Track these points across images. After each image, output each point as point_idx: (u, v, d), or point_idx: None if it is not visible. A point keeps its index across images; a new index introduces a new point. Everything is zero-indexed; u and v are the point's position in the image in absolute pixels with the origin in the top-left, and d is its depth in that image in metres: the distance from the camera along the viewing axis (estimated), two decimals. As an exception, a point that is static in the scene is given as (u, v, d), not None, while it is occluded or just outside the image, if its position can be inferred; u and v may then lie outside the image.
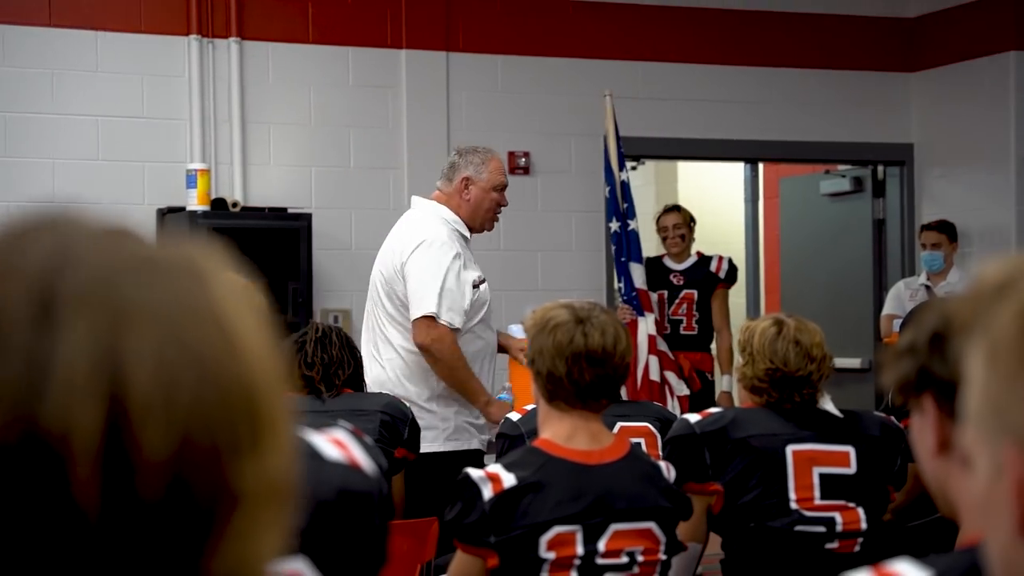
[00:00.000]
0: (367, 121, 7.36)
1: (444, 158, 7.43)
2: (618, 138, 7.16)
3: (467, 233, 4.71)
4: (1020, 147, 7.69)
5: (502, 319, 7.46)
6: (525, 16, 7.63)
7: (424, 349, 4.46)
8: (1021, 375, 0.90)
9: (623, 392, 6.14)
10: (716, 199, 10.24)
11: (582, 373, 2.77)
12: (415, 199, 4.85)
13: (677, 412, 6.47)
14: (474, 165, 4.70)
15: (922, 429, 1.57)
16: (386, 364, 4.60)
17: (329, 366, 3.82)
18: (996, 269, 0.96)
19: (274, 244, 6.77)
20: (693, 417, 3.30)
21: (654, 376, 6.86)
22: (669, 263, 7.36)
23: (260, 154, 7.18)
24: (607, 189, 7.10)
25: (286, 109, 7.24)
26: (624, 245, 7.04)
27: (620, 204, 7.09)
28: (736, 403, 4.59)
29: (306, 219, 6.94)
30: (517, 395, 4.87)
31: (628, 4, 7.80)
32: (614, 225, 7.09)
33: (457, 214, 4.66)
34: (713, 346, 7.33)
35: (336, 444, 1.55)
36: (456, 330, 4.49)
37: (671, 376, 6.98)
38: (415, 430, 4.00)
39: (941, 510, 1.56)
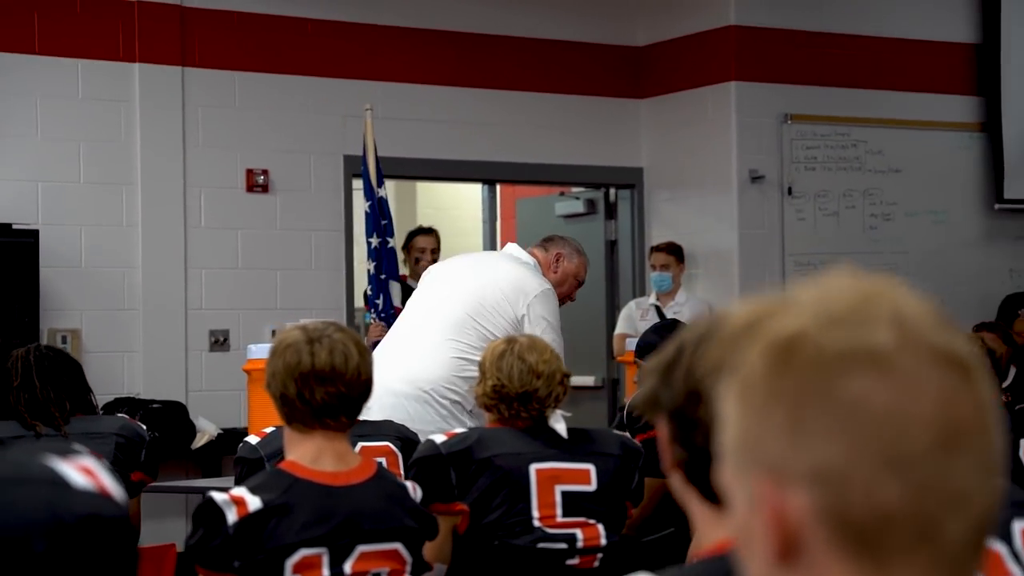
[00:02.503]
0: (98, 135, 7.14)
1: (179, 174, 7.36)
2: (377, 154, 7.15)
3: None
4: (742, 172, 8.04)
5: (239, 339, 7.36)
6: (263, 33, 7.55)
7: None
8: (770, 410, 0.95)
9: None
10: (455, 219, 10.35)
11: (313, 393, 2.77)
12: (515, 247, 5.22)
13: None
14: (569, 252, 5.20)
15: (661, 445, 1.65)
16: (441, 361, 4.75)
17: (61, 396, 3.70)
18: (741, 311, 1.01)
19: (-2, 261, 6.49)
20: (439, 438, 3.33)
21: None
22: (414, 284, 7.38)
23: (-17, 167, 6.89)
24: (367, 205, 7.07)
25: (11, 121, 6.96)
26: (384, 261, 7.02)
27: (380, 220, 7.08)
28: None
29: (33, 235, 6.68)
30: None
31: (366, 24, 7.81)
32: (374, 241, 7.06)
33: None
34: None
35: (84, 471, 1.51)
36: None
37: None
38: (153, 452, 3.91)
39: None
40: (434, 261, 7.36)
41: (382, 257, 6.99)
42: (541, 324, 4.79)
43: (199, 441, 7.01)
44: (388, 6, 7.86)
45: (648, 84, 8.49)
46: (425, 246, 7.44)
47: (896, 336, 0.94)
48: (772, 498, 0.94)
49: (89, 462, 1.53)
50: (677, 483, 1.62)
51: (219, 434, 7.08)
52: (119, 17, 7.19)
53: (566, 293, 5.19)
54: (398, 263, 7.15)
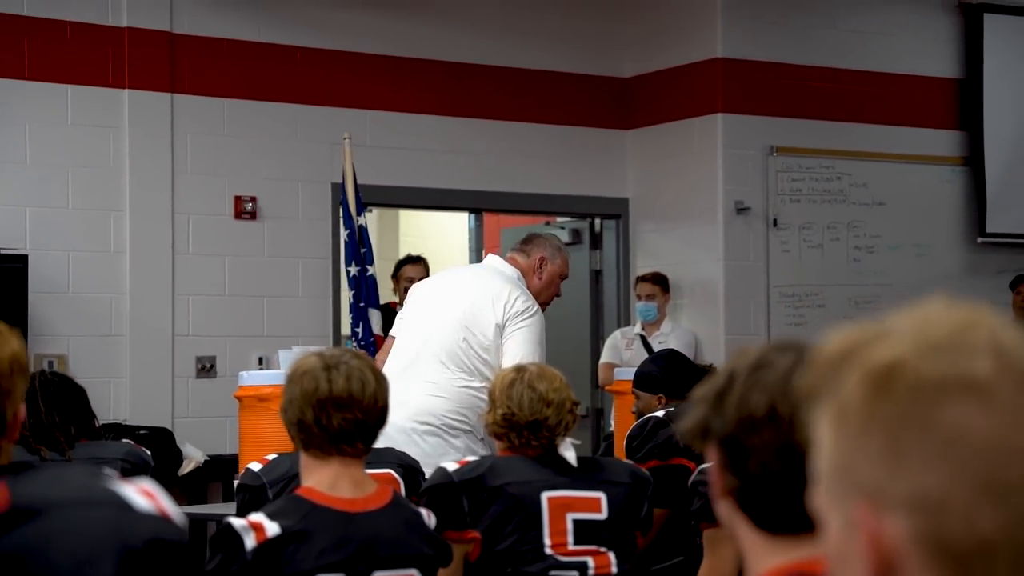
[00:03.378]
0: (87, 161, 7.13)
1: (168, 200, 7.35)
2: (356, 182, 7.16)
3: None
4: (727, 204, 8.09)
5: (226, 366, 7.34)
6: (252, 61, 7.56)
7: None
8: (868, 436, 0.97)
9: None
10: (439, 248, 10.35)
11: (330, 419, 2.77)
12: (496, 259, 5.21)
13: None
14: (550, 252, 5.17)
15: (712, 473, 1.66)
16: (447, 392, 4.79)
17: (66, 421, 3.69)
18: (837, 339, 1.03)
19: (-14, 286, 6.46)
20: (451, 466, 3.34)
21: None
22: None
23: (-29, 192, 6.87)
24: (346, 233, 7.08)
25: (0, 146, 6.94)
26: (363, 290, 7.02)
27: (359, 249, 7.08)
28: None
29: (21, 260, 6.66)
30: None
31: (355, 53, 7.84)
32: (353, 269, 7.06)
33: (528, 287, 5.06)
34: None
35: (145, 495, 1.52)
36: None
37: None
38: (156, 478, 3.89)
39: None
40: None
41: (361, 286, 7.00)
42: (522, 333, 4.80)
43: (186, 468, 6.98)
44: (377, 35, 7.89)
45: (634, 115, 8.54)
46: (413, 275, 7.44)
47: (995, 365, 0.96)
48: (869, 523, 0.96)
49: (149, 485, 1.54)
50: (726, 511, 1.63)
51: (205, 461, 7.05)
52: (109, 43, 7.19)
53: (554, 293, 5.20)
54: (378, 291, 7.16)
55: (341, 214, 7.08)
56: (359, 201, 7.08)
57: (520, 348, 4.77)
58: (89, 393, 6.99)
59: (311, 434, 2.78)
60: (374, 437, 2.85)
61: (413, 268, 7.49)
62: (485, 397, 4.60)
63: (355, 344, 6.95)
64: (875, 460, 0.96)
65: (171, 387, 7.28)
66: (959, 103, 8.79)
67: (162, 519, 1.49)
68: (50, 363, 6.90)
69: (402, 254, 10.36)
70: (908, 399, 0.96)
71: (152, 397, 7.20)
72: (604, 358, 8.00)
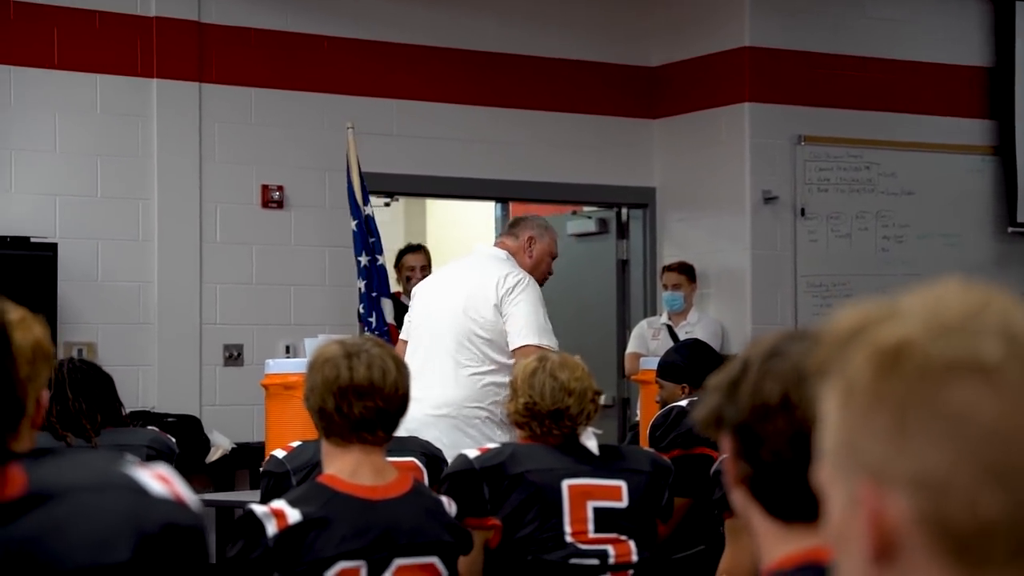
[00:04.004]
0: (116, 150, 7.17)
1: (196, 189, 7.39)
2: (361, 171, 7.18)
3: None
4: (755, 193, 8.06)
5: (253, 354, 7.38)
6: (280, 50, 7.58)
7: None
8: (874, 414, 0.97)
9: None
10: (465, 237, 10.36)
11: (351, 407, 2.78)
12: (484, 245, 5.46)
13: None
14: (539, 231, 5.34)
15: (726, 462, 1.66)
16: (461, 383, 4.95)
17: (93, 409, 3.72)
18: (847, 317, 1.03)
19: (15, 274, 6.51)
20: (472, 453, 3.35)
21: (411, 410, 6.89)
22: (408, 302, 7.40)
23: (1, 181, 6.91)
24: (354, 223, 7.11)
25: (29, 135, 6.99)
26: (374, 279, 7.05)
27: (367, 238, 7.11)
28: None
29: (51, 249, 6.70)
30: None
31: (383, 42, 7.85)
32: (363, 259, 7.09)
33: (519, 265, 5.23)
34: None
35: (160, 479, 1.53)
36: None
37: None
38: (180, 466, 3.92)
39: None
40: (425, 277, 7.39)
41: (372, 275, 7.03)
42: (519, 306, 4.95)
43: (213, 455, 7.02)
44: (404, 24, 7.90)
45: (662, 104, 8.52)
46: (415, 264, 7.47)
47: (1004, 348, 0.96)
48: (872, 500, 0.96)
49: (164, 470, 1.55)
50: (740, 499, 1.63)
51: (233, 448, 7.09)
52: (137, 33, 7.23)
53: (545, 271, 5.32)
54: (388, 280, 7.18)
55: (348, 204, 7.11)
56: (365, 190, 7.11)
57: (522, 318, 4.93)
58: (117, 381, 7.05)
59: (332, 422, 2.80)
60: (395, 425, 2.86)
61: (414, 257, 7.51)
62: (499, 381, 4.77)
63: (368, 333, 6.98)
64: (880, 438, 0.96)
65: (199, 375, 7.32)
66: (989, 92, 8.73)
67: (177, 504, 1.50)
68: (79, 351, 6.94)
69: (430, 243, 10.42)
70: (916, 379, 0.96)
71: (180, 385, 7.24)
72: (630, 348, 8.00)
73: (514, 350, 4.91)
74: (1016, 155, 8.64)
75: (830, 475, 1.01)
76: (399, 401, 2.82)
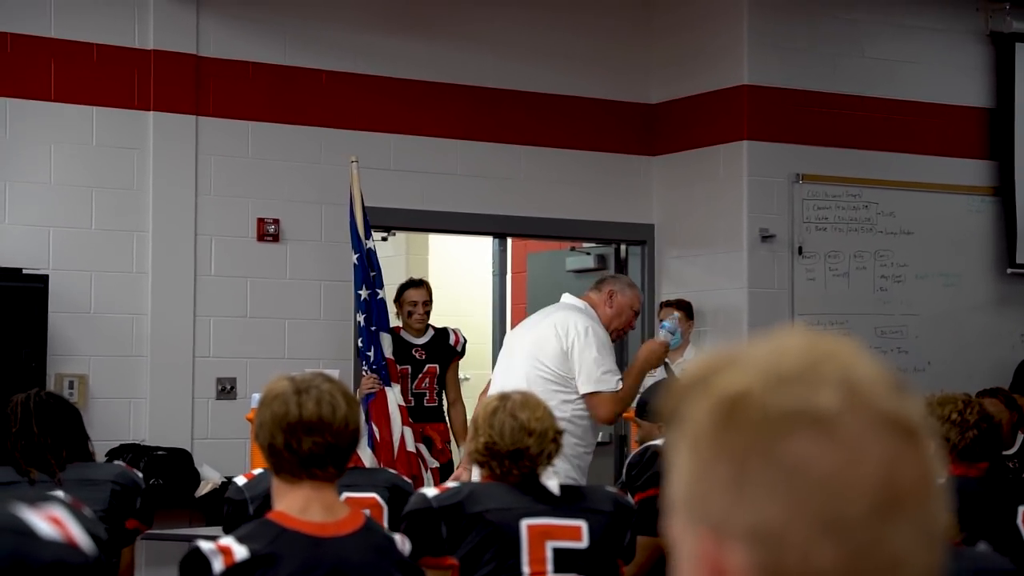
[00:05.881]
0: (111, 182, 7.19)
1: (191, 222, 7.40)
2: (364, 205, 7.19)
3: None
4: (752, 231, 8.04)
5: (246, 387, 7.36)
6: (278, 83, 7.61)
7: (611, 415, 5.48)
8: (715, 465, 0.95)
9: (369, 458, 6.18)
10: (465, 271, 10.36)
11: (300, 443, 2.77)
12: (568, 296, 5.75)
13: (431, 484, 6.49)
14: (620, 286, 5.68)
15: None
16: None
17: (59, 443, 3.70)
18: (694, 366, 1.02)
19: (7, 306, 6.52)
20: (430, 491, 3.32)
21: (410, 447, 6.87)
22: (408, 337, 7.40)
23: (-5, 212, 6.94)
24: (355, 257, 7.11)
25: (24, 167, 7.01)
26: (374, 313, 7.04)
27: (368, 272, 7.11)
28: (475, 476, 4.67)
29: (42, 280, 6.71)
30: None
31: (381, 77, 7.87)
32: (363, 293, 7.09)
33: (600, 318, 5.55)
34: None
35: (52, 521, 1.51)
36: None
37: (422, 448, 7.03)
38: (149, 500, 3.90)
39: None
40: (426, 313, 7.40)
41: (372, 309, 7.01)
42: (581, 341, 5.31)
43: (203, 489, 7.00)
44: (402, 59, 7.92)
45: (660, 141, 8.52)
46: (416, 299, 7.45)
47: (842, 399, 0.94)
48: (712, 553, 0.94)
49: (58, 512, 1.53)
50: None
51: (223, 482, 7.06)
52: (135, 65, 7.26)
53: (624, 324, 5.63)
54: (388, 314, 7.16)
55: (350, 238, 7.11)
56: (367, 224, 7.11)
57: (588, 364, 5.30)
58: (109, 413, 7.08)
59: (282, 458, 2.79)
60: (346, 460, 2.84)
61: (416, 292, 7.49)
62: (566, 423, 5.09)
63: (366, 368, 6.95)
64: (721, 490, 0.95)
65: (191, 408, 7.31)
66: (989, 132, 8.70)
67: (66, 545, 1.48)
68: (71, 383, 6.95)
69: (431, 277, 10.40)
70: (753, 430, 0.94)
71: (172, 418, 7.23)
72: (626, 385, 7.95)
73: (593, 395, 5.37)
74: (1016, 196, 8.61)
75: (679, 527, 0.99)
76: (349, 436, 2.81)
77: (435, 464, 7.11)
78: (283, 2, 7.63)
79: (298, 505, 2.79)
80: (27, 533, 1.48)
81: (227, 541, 2.73)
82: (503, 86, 8.18)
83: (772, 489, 0.92)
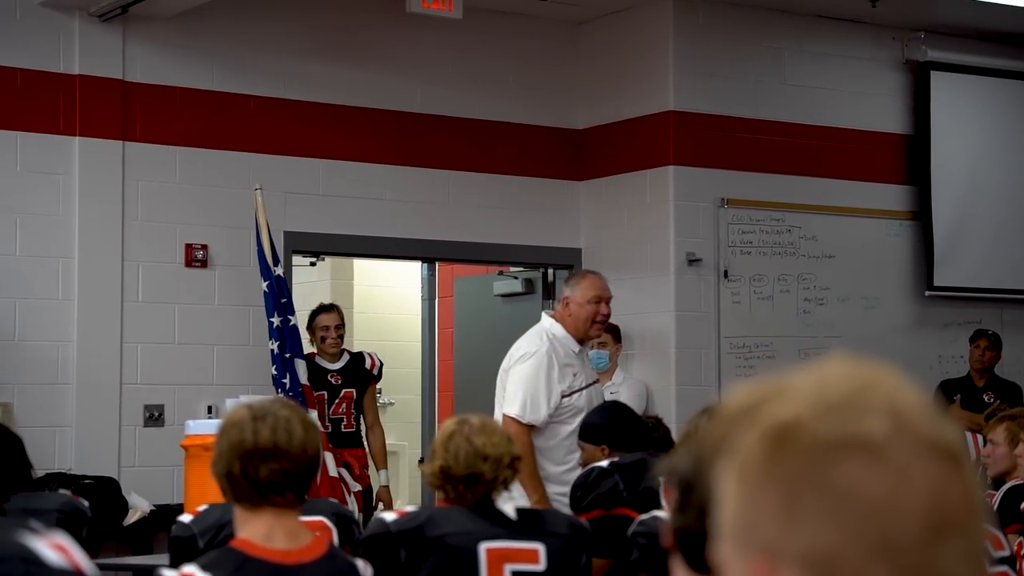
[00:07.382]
0: (36, 208, 7.10)
1: (118, 248, 7.32)
2: (270, 232, 7.17)
3: (575, 347, 5.60)
4: (679, 255, 8.13)
5: (174, 415, 7.29)
6: (206, 109, 7.56)
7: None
8: (765, 493, 0.98)
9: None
10: (393, 296, 10.36)
11: (257, 470, 2.77)
12: (544, 315, 5.79)
13: (354, 509, 6.47)
14: (571, 286, 5.67)
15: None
16: None
17: (1, 472, 3.64)
18: (739, 395, 1.05)
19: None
20: (389, 516, 3.32)
21: (332, 472, 6.85)
22: (323, 363, 7.39)
23: (-83, 238, 6.82)
24: (265, 284, 7.08)
25: (-52, 192, 6.90)
26: (287, 340, 7.02)
27: (279, 299, 7.08)
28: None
29: (-33, 308, 6.60)
30: None
31: (309, 102, 7.86)
32: (275, 320, 7.06)
33: (565, 330, 5.55)
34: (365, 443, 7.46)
35: (57, 548, 1.51)
36: (532, 426, 5.39)
37: (344, 472, 7.01)
38: (94, 530, 3.85)
39: None
40: (339, 337, 7.40)
41: (285, 336, 6.99)
42: (514, 364, 5.46)
43: (131, 518, 6.91)
44: (330, 85, 7.91)
45: (587, 166, 8.59)
46: (328, 323, 7.44)
47: (889, 425, 0.97)
48: None
49: (62, 539, 1.53)
50: (671, 552, 1.63)
51: (152, 511, 6.98)
52: (60, 91, 7.18)
53: (592, 315, 5.57)
54: (301, 340, 7.14)
55: (258, 265, 7.08)
56: (275, 251, 7.10)
57: (511, 386, 5.40)
58: (34, 442, 6.93)
59: (240, 486, 2.78)
60: (305, 487, 2.84)
61: (327, 316, 7.47)
62: (537, 448, 5.28)
63: (282, 395, 6.92)
64: (772, 516, 0.97)
65: (118, 436, 7.22)
66: (907, 158, 8.89)
67: (74, 572, 1.48)
68: (-5, 411, 6.83)
69: (357, 302, 10.38)
70: (804, 458, 0.97)
71: (99, 446, 7.14)
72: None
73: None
74: (933, 220, 8.80)
75: (728, 554, 1.02)
76: (308, 462, 2.81)
77: (357, 488, 7.10)
78: (211, 28, 7.59)
79: (261, 532, 2.78)
80: (35, 561, 1.47)
81: (191, 569, 2.71)
82: (430, 111, 8.20)
83: (825, 514, 0.95)
